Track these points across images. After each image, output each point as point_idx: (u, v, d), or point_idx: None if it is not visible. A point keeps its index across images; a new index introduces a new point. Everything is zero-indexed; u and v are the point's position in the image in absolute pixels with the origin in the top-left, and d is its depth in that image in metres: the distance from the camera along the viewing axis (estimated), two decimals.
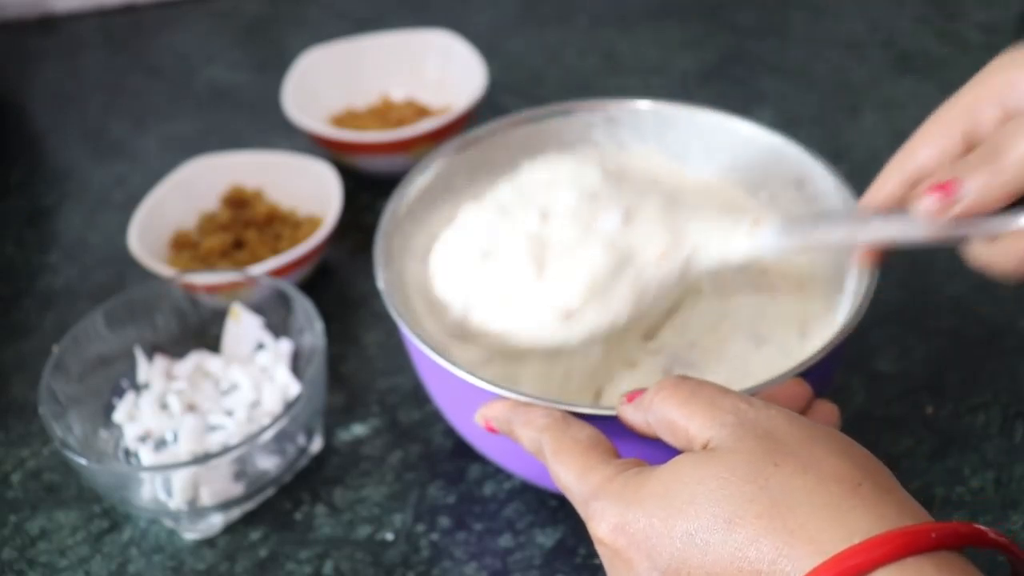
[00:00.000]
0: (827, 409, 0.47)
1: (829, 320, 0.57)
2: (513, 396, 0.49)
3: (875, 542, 0.33)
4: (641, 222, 0.54)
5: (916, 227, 0.47)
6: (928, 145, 0.47)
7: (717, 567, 0.36)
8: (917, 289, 0.70)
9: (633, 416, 0.44)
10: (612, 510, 0.39)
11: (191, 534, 0.59)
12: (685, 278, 0.54)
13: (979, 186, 0.43)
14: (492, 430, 0.48)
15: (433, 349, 0.52)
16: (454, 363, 0.51)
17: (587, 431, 0.44)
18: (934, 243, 0.47)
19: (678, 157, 0.66)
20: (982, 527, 0.35)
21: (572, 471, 0.42)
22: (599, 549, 0.40)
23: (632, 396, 0.44)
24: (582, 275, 0.53)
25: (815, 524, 0.34)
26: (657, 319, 0.59)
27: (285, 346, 0.64)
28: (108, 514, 0.60)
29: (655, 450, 0.43)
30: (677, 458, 0.39)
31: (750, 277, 0.61)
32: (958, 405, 0.63)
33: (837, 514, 0.35)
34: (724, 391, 0.41)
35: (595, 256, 0.53)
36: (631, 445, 0.45)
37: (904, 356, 0.66)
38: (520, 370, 0.56)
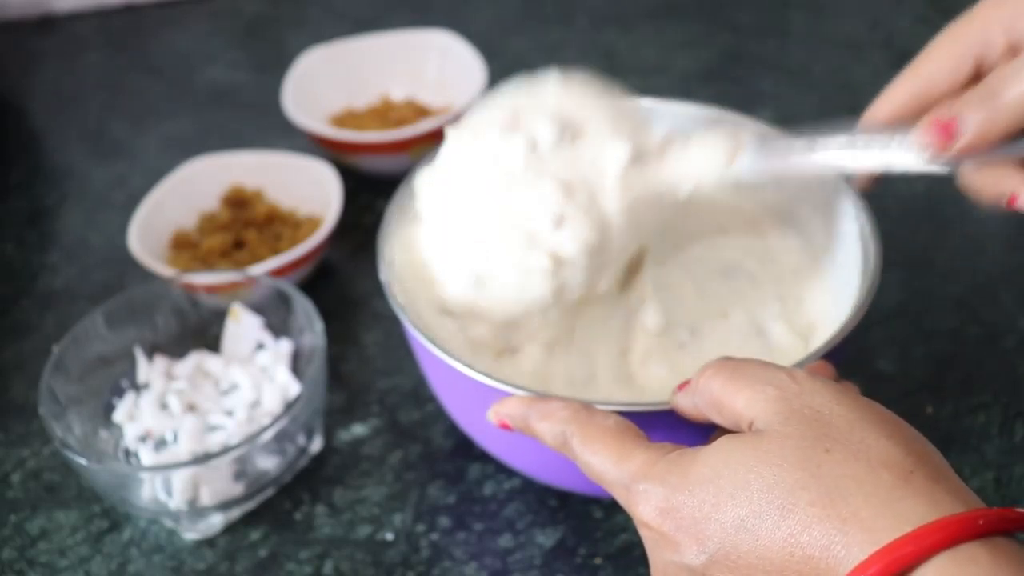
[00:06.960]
0: (852, 390, 0.46)
1: (829, 320, 0.57)
2: (522, 392, 0.49)
3: (927, 530, 0.34)
4: (592, 135, 0.53)
5: (911, 157, 0.47)
6: (939, 63, 0.48)
7: (769, 552, 0.36)
8: (917, 289, 0.70)
9: (684, 402, 0.44)
10: (658, 493, 0.39)
11: (191, 534, 0.59)
12: (662, 200, 0.53)
13: (978, 125, 0.44)
14: (506, 427, 0.48)
15: (436, 345, 0.52)
16: (458, 359, 0.51)
17: (612, 418, 0.43)
18: (924, 172, 0.48)
19: None
20: None
21: (608, 458, 0.42)
22: (643, 532, 0.40)
23: (683, 385, 0.44)
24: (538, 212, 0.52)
25: (867, 512, 0.35)
26: (631, 261, 0.57)
27: (285, 346, 0.64)
28: (108, 514, 0.60)
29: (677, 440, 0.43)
30: (722, 440, 0.39)
31: (747, 272, 0.61)
32: (958, 405, 0.63)
33: (889, 502, 0.35)
34: (767, 365, 0.41)
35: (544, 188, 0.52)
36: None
37: (904, 356, 0.66)
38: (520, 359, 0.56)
